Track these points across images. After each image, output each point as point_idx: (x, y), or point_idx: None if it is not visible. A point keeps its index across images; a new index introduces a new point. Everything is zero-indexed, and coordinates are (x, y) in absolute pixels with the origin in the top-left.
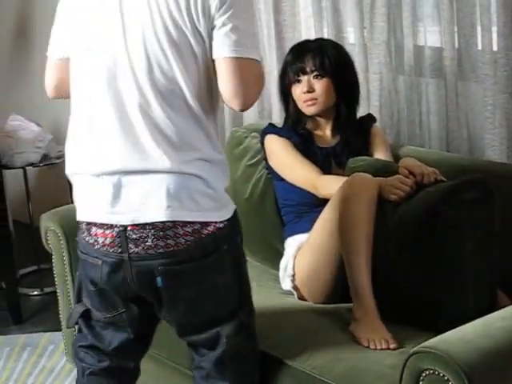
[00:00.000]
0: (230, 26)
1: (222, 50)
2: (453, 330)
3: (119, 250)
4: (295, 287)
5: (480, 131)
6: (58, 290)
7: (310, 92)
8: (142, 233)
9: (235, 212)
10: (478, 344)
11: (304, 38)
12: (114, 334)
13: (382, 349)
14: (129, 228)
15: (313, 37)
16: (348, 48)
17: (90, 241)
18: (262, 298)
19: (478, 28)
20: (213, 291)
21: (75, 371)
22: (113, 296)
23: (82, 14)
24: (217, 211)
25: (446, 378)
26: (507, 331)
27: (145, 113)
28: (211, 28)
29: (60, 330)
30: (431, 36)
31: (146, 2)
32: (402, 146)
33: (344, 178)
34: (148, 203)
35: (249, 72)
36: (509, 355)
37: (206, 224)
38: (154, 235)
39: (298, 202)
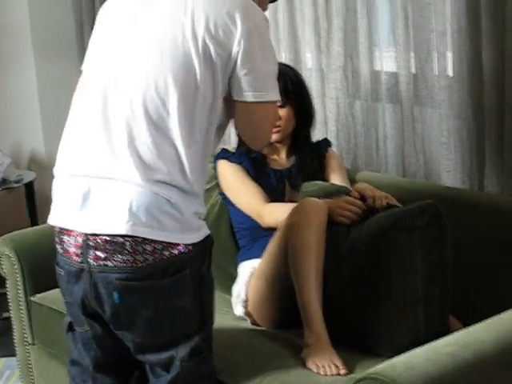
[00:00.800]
0: (248, 68)
1: (244, 94)
2: (399, 356)
3: (80, 260)
4: (248, 313)
5: (436, 156)
6: (12, 316)
7: None
8: (103, 244)
9: (206, 239)
10: (424, 370)
11: None
12: (88, 352)
13: (332, 374)
14: (90, 237)
15: None
16: (305, 73)
17: (59, 249)
18: (214, 322)
19: (434, 53)
20: (170, 313)
21: None
22: (77, 311)
23: (103, 27)
24: (180, 233)
25: None
26: (453, 357)
27: (129, 127)
28: (231, 67)
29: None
30: (387, 61)
31: (166, 18)
32: (358, 171)
33: (290, 205)
34: (110, 215)
35: (268, 114)
36: (454, 381)
37: (168, 245)
38: (113, 248)
39: (252, 225)
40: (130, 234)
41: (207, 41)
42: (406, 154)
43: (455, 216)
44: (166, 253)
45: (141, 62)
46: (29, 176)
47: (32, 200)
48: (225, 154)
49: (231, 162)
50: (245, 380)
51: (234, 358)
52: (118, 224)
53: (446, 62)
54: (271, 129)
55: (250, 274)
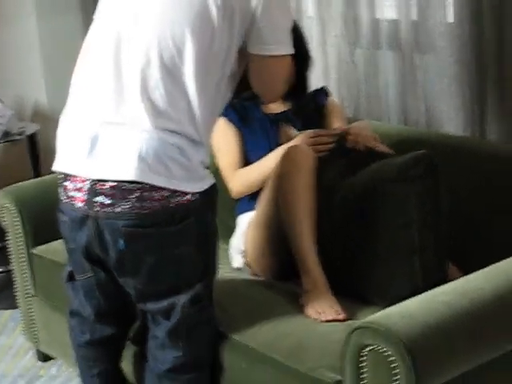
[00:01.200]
0: (267, 20)
1: (258, 47)
2: (395, 305)
3: (86, 206)
4: (247, 264)
5: (437, 103)
6: (13, 268)
7: None
8: (110, 190)
9: (212, 187)
10: (420, 319)
11: None
12: (90, 301)
13: (330, 320)
14: (97, 183)
15: None
16: (306, 21)
17: (63, 196)
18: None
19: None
20: (175, 261)
21: (33, 349)
22: (80, 257)
23: None
24: (187, 182)
25: (387, 353)
26: (450, 305)
27: (143, 73)
28: (249, 19)
29: None
30: (387, 8)
31: None
32: (360, 119)
33: (260, 164)
34: (119, 161)
35: (280, 68)
36: (451, 329)
37: (175, 192)
38: (121, 194)
39: None
40: (138, 179)
41: None
42: (407, 102)
43: (455, 164)
44: (173, 200)
45: (157, 11)
46: (31, 128)
47: (35, 152)
48: None
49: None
50: (243, 329)
51: (232, 308)
52: (126, 169)
53: (447, 8)
54: (284, 82)
55: (247, 224)
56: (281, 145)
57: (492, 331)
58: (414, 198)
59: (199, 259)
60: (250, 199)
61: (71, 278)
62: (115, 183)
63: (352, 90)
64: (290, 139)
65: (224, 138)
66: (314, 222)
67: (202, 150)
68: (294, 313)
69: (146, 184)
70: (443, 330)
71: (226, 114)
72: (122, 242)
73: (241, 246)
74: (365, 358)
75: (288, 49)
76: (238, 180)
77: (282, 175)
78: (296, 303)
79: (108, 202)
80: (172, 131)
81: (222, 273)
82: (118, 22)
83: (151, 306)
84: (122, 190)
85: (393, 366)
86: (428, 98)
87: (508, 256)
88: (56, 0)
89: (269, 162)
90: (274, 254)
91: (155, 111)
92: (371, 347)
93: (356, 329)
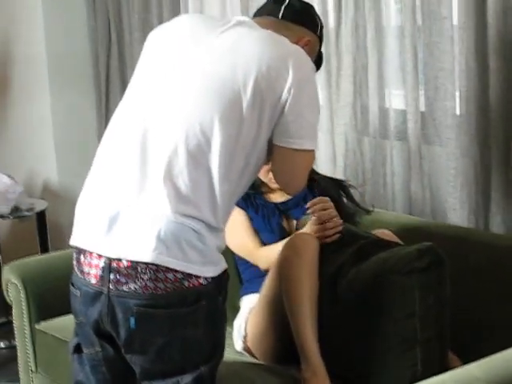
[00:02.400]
0: (295, 115)
1: (284, 140)
2: None
3: (100, 283)
4: (247, 348)
5: (443, 194)
6: (17, 344)
7: None
8: (125, 269)
9: (224, 272)
10: None
11: None
12: (96, 375)
13: None
14: (114, 262)
15: None
16: None
17: (77, 270)
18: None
19: (442, 92)
20: (183, 343)
21: None
22: (89, 331)
23: (149, 56)
24: (202, 266)
25: None
26: None
27: (168, 160)
28: (277, 111)
29: None
30: (396, 99)
31: (216, 54)
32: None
33: (281, 244)
34: (137, 242)
35: (303, 162)
36: None
37: (189, 276)
38: (135, 274)
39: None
40: (155, 262)
41: (259, 80)
42: (412, 191)
43: (457, 254)
44: (186, 283)
45: (187, 98)
46: (41, 205)
47: (43, 229)
48: None
49: None
50: None
51: None
52: (144, 251)
53: (454, 101)
54: (306, 176)
55: (249, 309)
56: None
57: None
58: (417, 290)
59: (207, 342)
60: (252, 281)
61: (78, 350)
62: (131, 263)
63: (358, 178)
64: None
65: (234, 220)
66: (315, 309)
67: (218, 235)
68: None
69: (162, 266)
70: None
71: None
72: (133, 321)
73: (242, 330)
74: None
75: (313, 143)
76: (262, 258)
77: (284, 262)
78: None
79: (122, 280)
80: (191, 217)
81: (226, 355)
82: (147, 104)
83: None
84: (137, 269)
85: None
86: (433, 188)
87: (509, 346)
88: (69, 79)
89: None
90: (275, 339)
91: (177, 197)
92: None
93: None
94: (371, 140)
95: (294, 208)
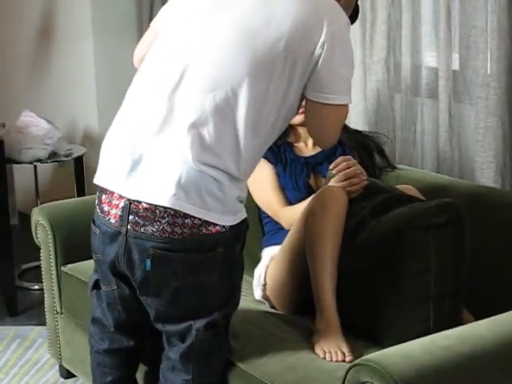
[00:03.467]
0: (330, 71)
1: (317, 95)
2: (396, 346)
3: (119, 223)
4: (266, 297)
5: (471, 153)
6: (44, 285)
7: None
8: (144, 212)
9: (243, 222)
10: (418, 360)
11: None
12: (112, 312)
13: (337, 361)
14: (134, 203)
15: None
16: None
17: (98, 208)
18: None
19: (474, 51)
20: (198, 288)
21: (57, 365)
22: (106, 270)
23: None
24: (221, 215)
25: None
26: (450, 350)
27: (196, 108)
28: (309, 67)
29: None
30: (428, 56)
31: (252, 7)
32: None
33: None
34: (157, 185)
35: (336, 117)
36: (447, 373)
37: (207, 223)
38: (153, 217)
39: None
40: (173, 207)
41: (292, 36)
42: (441, 150)
43: (480, 212)
44: (203, 229)
45: (219, 49)
46: (79, 151)
47: (81, 174)
48: None
49: None
50: (251, 359)
51: (244, 338)
52: (163, 195)
53: (486, 60)
54: (339, 130)
55: (270, 258)
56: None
57: (489, 379)
58: (434, 245)
59: (222, 290)
60: (274, 233)
61: (97, 286)
62: (150, 205)
63: (389, 135)
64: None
65: (261, 178)
66: (336, 262)
67: (240, 186)
68: (304, 349)
69: (180, 211)
70: (438, 374)
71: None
72: (148, 263)
73: (261, 279)
74: None
75: (346, 98)
76: (288, 219)
77: (312, 215)
78: (308, 340)
79: (141, 222)
80: (213, 166)
81: (243, 303)
82: (178, 51)
83: (169, 327)
84: (155, 212)
85: None
86: (463, 147)
87: None
88: (113, 26)
89: None
90: (294, 290)
91: (200, 146)
92: None
93: (354, 366)
94: (403, 97)
95: (324, 162)
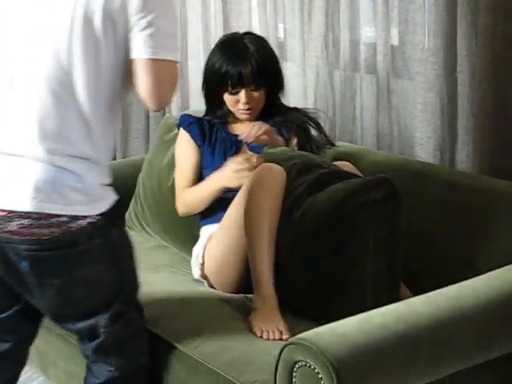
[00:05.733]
0: (150, 27)
1: (141, 51)
2: (330, 324)
3: None
4: (204, 276)
5: (410, 129)
6: None
7: (249, 103)
8: (10, 218)
9: (114, 205)
10: (351, 338)
11: (247, 29)
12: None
13: (274, 339)
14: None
15: (256, 27)
16: (289, 40)
17: None
18: (171, 284)
19: (412, 26)
20: (83, 282)
21: None
22: None
23: None
24: (86, 205)
25: (316, 370)
26: (384, 327)
27: (35, 100)
28: (130, 28)
29: None
30: (366, 32)
31: None
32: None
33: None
34: (16, 191)
35: (165, 73)
36: (381, 351)
37: (75, 218)
38: (20, 222)
39: None
40: (35, 210)
41: (104, 4)
42: (380, 126)
43: (417, 189)
44: (74, 225)
45: (41, 34)
46: None
47: None
48: (185, 121)
49: (184, 129)
50: (187, 340)
51: (180, 318)
52: (23, 201)
53: (424, 35)
54: (172, 90)
55: (209, 237)
56: None
57: (424, 357)
58: (370, 221)
59: (111, 278)
60: (213, 212)
61: None
62: (14, 212)
63: (328, 111)
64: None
65: (182, 154)
66: (274, 241)
67: (101, 172)
68: (241, 329)
69: (43, 213)
70: (373, 351)
71: (189, 129)
72: (25, 264)
73: (199, 258)
74: (295, 373)
75: (174, 55)
76: (182, 201)
77: (249, 193)
78: (245, 319)
79: (9, 228)
80: (68, 155)
81: (181, 283)
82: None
83: (70, 326)
84: (20, 218)
85: (322, 383)
86: (402, 123)
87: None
88: None
89: (206, 188)
90: (232, 269)
91: (49, 137)
92: (301, 363)
93: (287, 345)
94: (342, 73)
95: None
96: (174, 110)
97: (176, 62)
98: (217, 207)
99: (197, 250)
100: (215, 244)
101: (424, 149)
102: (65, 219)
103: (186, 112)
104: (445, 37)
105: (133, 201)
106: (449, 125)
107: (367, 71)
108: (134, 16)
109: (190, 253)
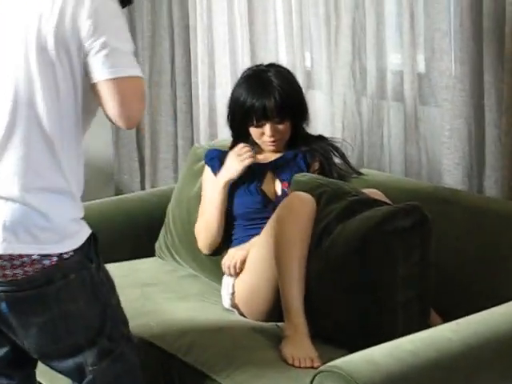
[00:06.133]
0: (104, 48)
1: (100, 73)
2: (362, 351)
3: None
4: (234, 305)
5: (438, 156)
6: None
7: (274, 136)
8: None
9: (89, 239)
10: (383, 366)
11: (274, 58)
12: None
13: (305, 367)
14: None
15: (283, 57)
16: (316, 68)
17: None
18: (202, 313)
19: (438, 53)
20: (65, 319)
21: None
22: None
23: None
24: (57, 243)
25: None
26: (415, 354)
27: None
28: (86, 53)
29: None
30: (393, 59)
31: (19, 20)
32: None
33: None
34: None
35: (129, 90)
36: (414, 379)
37: (47, 256)
38: None
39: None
40: (6, 253)
41: (55, 30)
42: (408, 153)
43: (445, 216)
44: (47, 262)
45: (2, 61)
46: None
47: None
48: (207, 156)
49: (206, 164)
50: (218, 370)
51: (212, 348)
52: None
53: (450, 62)
54: (141, 107)
55: None
56: None
57: (458, 383)
58: (400, 249)
59: (92, 313)
60: (242, 240)
61: None
62: None
63: (356, 139)
64: None
65: (206, 190)
66: (304, 269)
67: (71, 206)
68: (272, 357)
69: (14, 254)
70: (404, 379)
71: (211, 163)
72: (4, 305)
73: (230, 288)
74: None
75: (135, 71)
76: (198, 236)
77: (279, 222)
78: (277, 347)
79: None
80: (40, 188)
81: (212, 312)
82: None
83: (56, 364)
84: None
85: None
86: (430, 150)
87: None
88: None
89: (214, 192)
90: (263, 297)
91: (17, 174)
92: None
93: (319, 372)
94: (369, 101)
95: (284, 167)
96: (203, 140)
97: (138, 77)
98: (247, 236)
99: (227, 279)
100: (246, 273)
101: (452, 175)
102: (37, 257)
103: (214, 142)
104: (472, 63)
105: (162, 230)
106: (476, 151)
107: (394, 99)
108: (87, 40)
109: (219, 282)
